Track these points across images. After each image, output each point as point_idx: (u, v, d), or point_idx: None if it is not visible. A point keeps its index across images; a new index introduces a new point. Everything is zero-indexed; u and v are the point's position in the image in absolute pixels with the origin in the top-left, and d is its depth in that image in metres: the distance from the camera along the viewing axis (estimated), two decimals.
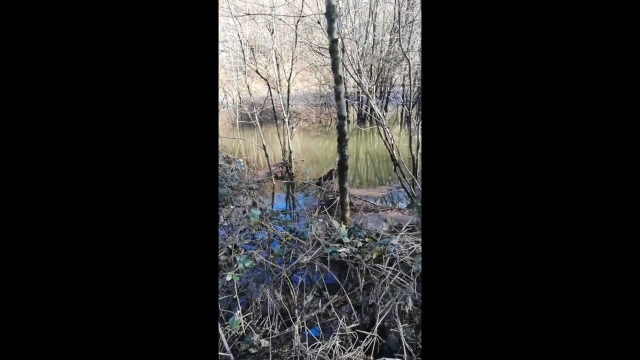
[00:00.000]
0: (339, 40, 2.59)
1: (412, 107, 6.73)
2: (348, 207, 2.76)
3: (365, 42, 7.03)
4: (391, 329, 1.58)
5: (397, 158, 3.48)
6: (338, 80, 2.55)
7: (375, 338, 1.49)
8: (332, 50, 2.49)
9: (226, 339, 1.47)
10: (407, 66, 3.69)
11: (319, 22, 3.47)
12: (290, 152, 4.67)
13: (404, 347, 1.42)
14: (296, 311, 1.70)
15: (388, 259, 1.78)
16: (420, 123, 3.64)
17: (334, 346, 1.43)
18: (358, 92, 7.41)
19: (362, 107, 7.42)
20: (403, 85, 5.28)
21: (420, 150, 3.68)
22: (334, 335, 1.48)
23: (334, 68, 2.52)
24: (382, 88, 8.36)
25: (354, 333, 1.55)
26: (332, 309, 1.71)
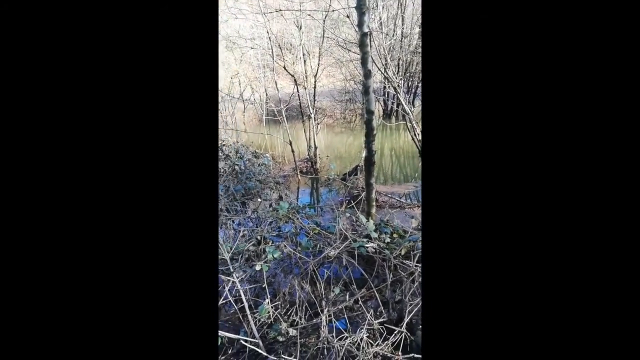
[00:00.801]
0: (369, 33, 2.56)
1: None
2: (374, 203, 2.74)
3: (393, 36, 6.86)
4: (419, 326, 1.56)
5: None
6: (367, 74, 2.52)
7: (403, 334, 1.47)
8: (362, 44, 2.46)
9: (255, 326, 1.52)
10: None
11: (348, 17, 3.43)
12: (316, 147, 4.69)
13: None
14: (323, 303, 1.73)
15: (417, 255, 1.75)
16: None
17: (361, 339, 1.43)
18: (384, 86, 7.26)
19: (389, 102, 7.27)
20: None
21: None
22: (362, 328, 1.49)
23: (364, 62, 2.49)
24: (410, 82, 8.14)
25: (382, 328, 1.55)
26: (359, 302, 1.72)
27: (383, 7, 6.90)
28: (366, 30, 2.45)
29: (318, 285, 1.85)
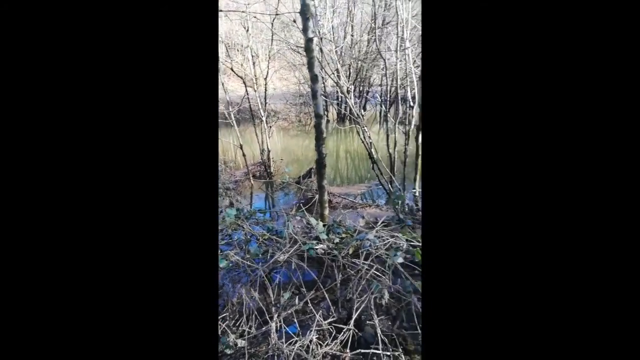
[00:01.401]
0: (315, 39, 2.60)
1: (390, 107, 6.87)
2: (327, 205, 2.78)
3: (343, 42, 7.09)
4: (367, 322, 1.62)
5: (374, 156, 3.54)
6: (314, 79, 2.56)
7: (351, 331, 1.51)
8: (308, 49, 2.49)
9: None
10: (384, 66, 3.77)
11: (294, 21, 3.46)
12: (269, 151, 4.62)
13: (379, 339, 1.45)
14: (273, 309, 1.70)
15: (364, 253, 1.82)
16: (398, 122, 3.73)
17: (310, 341, 1.44)
18: (337, 91, 7.47)
19: (341, 106, 7.48)
20: (381, 85, 5.39)
21: (397, 148, 3.77)
22: (311, 330, 1.49)
23: (310, 67, 2.52)
24: (361, 87, 8.48)
25: (331, 327, 1.57)
26: (310, 305, 1.72)
27: (334, 13, 7.11)
28: (311, 35, 2.49)
29: (269, 291, 1.81)
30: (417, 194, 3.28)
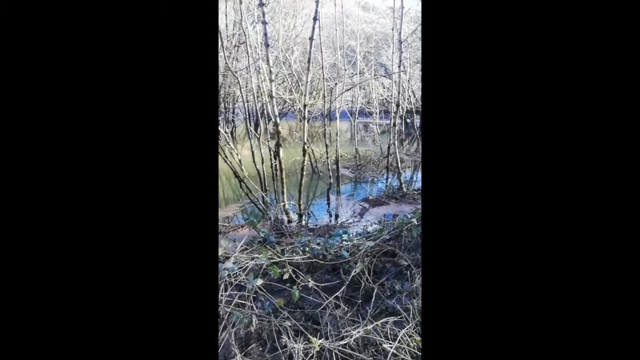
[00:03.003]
0: None
1: (257, 123, 6.97)
2: None
3: None
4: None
5: (240, 174, 3.46)
6: None
7: None
8: None
9: None
10: (239, 83, 3.77)
11: None
12: None
13: None
14: None
15: (222, 285, 1.69)
16: (269, 137, 3.79)
17: None
18: None
19: None
20: (244, 102, 5.41)
21: (264, 165, 3.82)
22: None
23: None
24: (225, 104, 8.27)
25: None
26: None
27: None
28: None
29: None
30: (286, 206, 3.40)
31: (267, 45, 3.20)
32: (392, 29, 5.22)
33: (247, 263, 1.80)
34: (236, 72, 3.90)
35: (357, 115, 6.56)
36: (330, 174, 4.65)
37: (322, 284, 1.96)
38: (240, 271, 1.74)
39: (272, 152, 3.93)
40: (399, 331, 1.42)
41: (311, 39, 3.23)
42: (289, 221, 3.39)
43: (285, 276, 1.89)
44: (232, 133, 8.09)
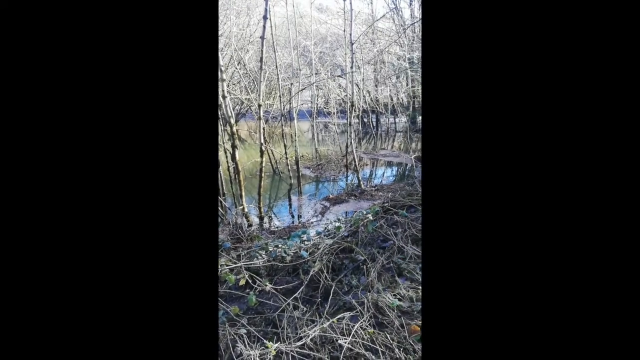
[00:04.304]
0: None
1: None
2: None
3: None
4: None
5: None
6: None
7: None
8: None
9: None
10: None
11: None
12: None
13: None
14: None
15: None
16: (225, 139, 3.63)
17: None
18: None
19: None
20: None
21: (221, 167, 3.67)
22: None
23: None
24: None
25: None
26: None
27: None
28: None
29: None
30: (245, 209, 3.31)
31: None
32: (344, 31, 5.36)
33: None
34: None
35: (316, 115, 6.61)
36: (291, 175, 4.63)
37: (282, 287, 1.94)
38: None
39: (228, 155, 3.80)
40: (353, 325, 1.46)
41: (262, 37, 3.18)
42: (249, 225, 3.31)
43: (242, 282, 1.84)
44: None
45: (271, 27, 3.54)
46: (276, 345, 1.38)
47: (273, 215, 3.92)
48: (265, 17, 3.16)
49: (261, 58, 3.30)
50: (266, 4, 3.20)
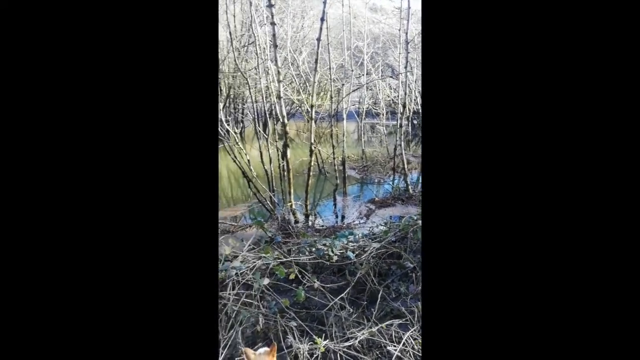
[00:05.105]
0: None
1: (266, 123, 7.03)
2: None
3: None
4: (236, 359, 1.52)
5: (249, 174, 3.50)
6: None
7: None
8: None
9: None
10: (247, 83, 3.81)
11: None
12: None
13: None
14: None
15: (230, 283, 1.72)
16: (277, 138, 3.82)
17: None
18: None
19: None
20: (253, 102, 5.45)
21: (273, 165, 3.86)
22: None
23: None
24: (235, 104, 8.35)
25: None
26: None
27: None
28: None
29: None
30: (292, 206, 3.42)
31: (275, 46, 3.23)
32: (399, 30, 5.21)
33: (254, 262, 1.83)
34: (245, 72, 3.95)
35: (364, 116, 6.55)
36: (337, 175, 4.66)
37: (328, 285, 1.98)
38: (247, 270, 1.77)
39: (279, 153, 3.96)
40: (403, 334, 1.42)
41: (318, 39, 3.25)
42: (296, 221, 3.41)
43: (292, 276, 1.91)
44: (240, 133, 8.17)
45: (326, 28, 3.60)
46: (325, 342, 1.41)
47: (318, 214, 3.99)
48: (322, 19, 3.22)
49: (316, 60, 3.38)
50: (324, 6, 3.26)
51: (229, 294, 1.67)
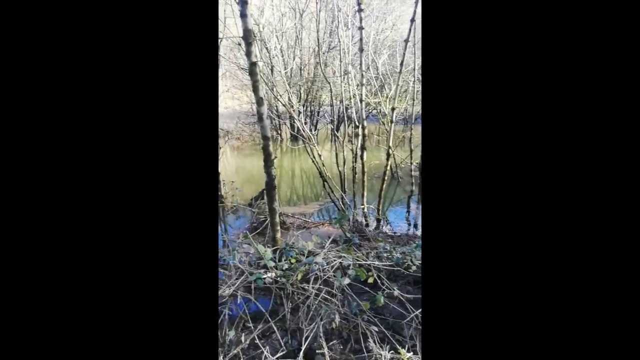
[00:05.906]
0: (260, 63, 2.62)
1: (339, 125, 7.15)
2: (279, 227, 2.72)
3: (292, 64, 7.30)
4: (317, 352, 1.58)
5: (325, 175, 3.61)
6: (259, 102, 2.56)
7: None
8: (252, 73, 2.50)
9: None
10: (330, 88, 3.94)
11: (239, 45, 3.48)
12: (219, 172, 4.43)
13: None
14: (220, 350, 1.57)
15: (312, 278, 1.80)
16: (347, 140, 3.88)
17: None
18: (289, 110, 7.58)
19: (293, 126, 7.59)
20: (330, 105, 5.62)
21: (346, 166, 3.91)
22: None
23: (255, 90, 2.53)
24: (312, 107, 8.73)
25: None
26: (256, 340, 1.63)
27: (282, 37, 7.30)
28: (254, 59, 2.51)
29: None
30: (365, 209, 3.40)
31: (361, 51, 3.26)
32: None
33: (335, 261, 1.88)
34: (327, 77, 4.10)
35: None
36: (413, 181, 4.45)
37: (405, 295, 1.90)
38: (329, 268, 1.82)
39: (353, 155, 3.98)
40: None
41: (406, 41, 3.15)
42: (366, 225, 3.38)
43: (370, 280, 1.89)
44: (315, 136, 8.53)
45: (414, 29, 3.46)
46: (409, 355, 1.35)
47: (388, 220, 3.87)
48: (412, 20, 3.11)
49: (401, 62, 3.28)
50: (415, 6, 3.14)
51: (312, 287, 1.75)
